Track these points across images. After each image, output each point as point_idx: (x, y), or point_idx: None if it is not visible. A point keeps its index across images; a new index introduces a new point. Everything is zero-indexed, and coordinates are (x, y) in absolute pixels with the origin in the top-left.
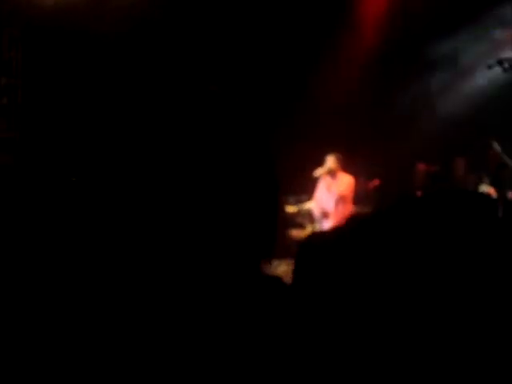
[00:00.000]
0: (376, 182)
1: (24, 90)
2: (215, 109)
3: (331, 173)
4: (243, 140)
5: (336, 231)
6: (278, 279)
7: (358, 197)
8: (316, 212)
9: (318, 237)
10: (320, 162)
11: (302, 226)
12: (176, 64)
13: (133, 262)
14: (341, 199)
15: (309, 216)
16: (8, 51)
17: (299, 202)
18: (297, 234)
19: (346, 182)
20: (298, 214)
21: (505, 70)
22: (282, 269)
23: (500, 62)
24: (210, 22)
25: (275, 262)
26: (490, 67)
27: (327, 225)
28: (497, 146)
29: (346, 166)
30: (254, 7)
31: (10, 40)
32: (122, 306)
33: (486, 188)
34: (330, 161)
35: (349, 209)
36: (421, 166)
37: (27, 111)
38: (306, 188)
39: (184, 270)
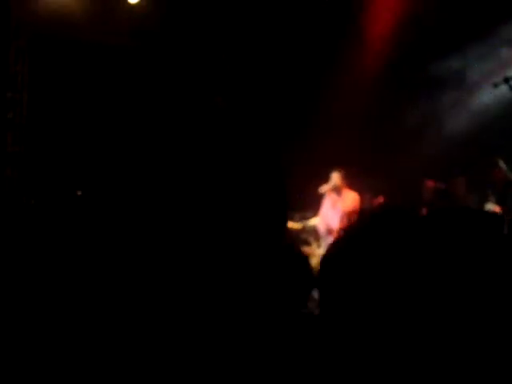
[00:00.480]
0: (381, 199)
1: (29, 104)
2: (220, 122)
3: (336, 189)
4: (251, 154)
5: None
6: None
7: (363, 213)
8: (321, 228)
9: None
10: (325, 179)
11: (306, 243)
12: (184, 76)
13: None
14: (346, 216)
15: (314, 232)
16: (14, 65)
17: (304, 218)
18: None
19: (351, 199)
20: (303, 230)
21: (511, 88)
22: None
23: (506, 81)
24: (221, 34)
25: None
26: (496, 86)
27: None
28: (503, 165)
29: (351, 182)
30: (266, 22)
31: (17, 53)
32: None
33: (492, 206)
34: (335, 177)
35: None
36: (430, 183)
37: (32, 125)
38: (311, 204)
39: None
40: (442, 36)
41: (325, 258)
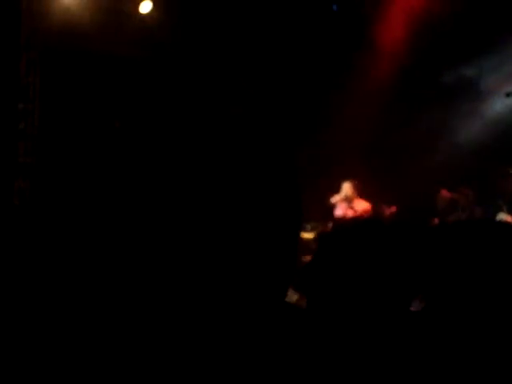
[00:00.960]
0: (393, 209)
1: (41, 115)
2: (236, 131)
3: (348, 199)
4: (267, 163)
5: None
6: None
7: None
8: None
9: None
10: (336, 189)
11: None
12: (196, 85)
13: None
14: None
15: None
16: (25, 76)
17: (316, 228)
18: None
19: (362, 209)
20: (314, 240)
21: None
22: (297, 297)
23: None
24: (233, 43)
25: (291, 290)
26: (508, 95)
27: None
28: None
29: (363, 192)
30: (280, 29)
31: (28, 65)
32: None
33: (504, 216)
34: (347, 187)
35: None
36: (443, 192)
37: (44, 136)
38: (323, 215)
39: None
40: (455, 45)
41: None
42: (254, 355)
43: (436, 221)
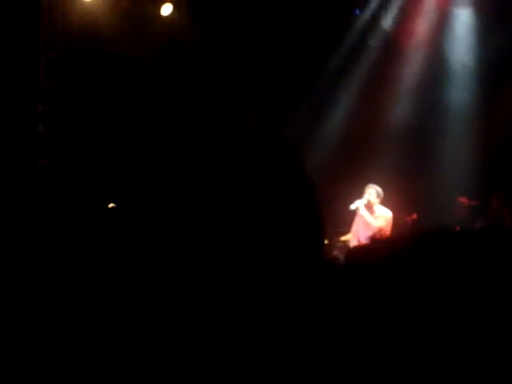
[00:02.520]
0: (414, 216)
1: (60, 117)
2: (255, 140)
3: (369, 206)
4: (286, 170)
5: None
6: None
7: (396, 231)
8: (353, 245)
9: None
10: (358, 195)
11: (336, 259)
12: (217, 89)
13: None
14: (378, 233)
15: (345, 249)
16: (45, 78)
17: (336, 234)
18: None
19: (383, 216)
20: (334, 246)
21: None
22: None
23: None
24: (253, 44)
25: None
26: None
27: None
28: None
29: (384, 199)
30: (301, 34)
31: (47, 66)
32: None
33: None
34: (369, 193)
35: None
36: (463, 200)
37: (62, 138)
38: (344, 220)
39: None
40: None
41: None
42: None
43: (458, 228)
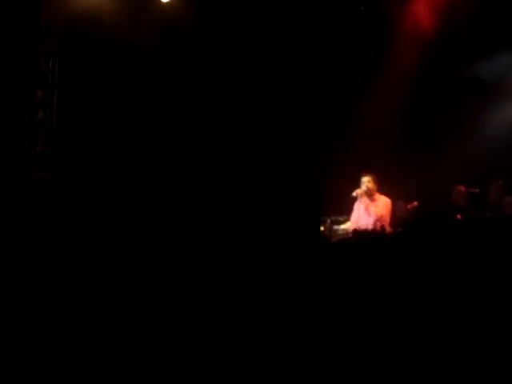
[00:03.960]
0: (414, 204)
1: (60, 104)
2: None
3: (368, 194)
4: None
5: None
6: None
7: (396, 218)
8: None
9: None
10: (357, 183)
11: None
12: (218, 76)
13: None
14: (378, 220)
15: (343, 237)
16: (45, 64)
17: (336, 222)
18: None
19: (383, 204)
20: (334, 235)
21: None
22: None
23: None
24: (256, 35)
25: None
26: None
27: None
28: None
29: (384, 187)
30: (304, 25)
31: (47, 53)
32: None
33: None
34: (367, 181)
35: (387, 230)
36: (461, 188)
37: (63, 125)
38: (343, 209)
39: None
40: (483, 38)
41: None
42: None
43: (459, 216)
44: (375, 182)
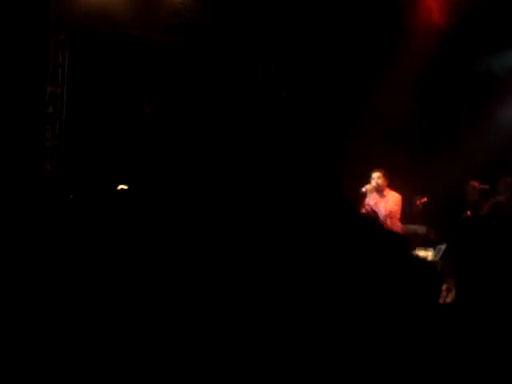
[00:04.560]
0: (424, 200)
1: (69, 99)
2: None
3: (378, 189)
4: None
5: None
6: None
7: (406, 214)
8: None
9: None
10: (367, 179)
11: None
12: (229, 74)
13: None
14: (388, 216)
15: None
16: (54, 59)
17: None
18: None
19: (393, 199)
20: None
21: None
22: None
23: None
24: (266, 32)
25: None
26: None
27: None
28: None
29: (395, 183)
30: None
31: (56, 47)
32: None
33: None
34: (377, 177)
35: (397, 226)
36: (474, 184)
37: (72, 119)
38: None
39: None
40: (493, 34)
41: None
42: None
43: (469, 213)
44: (386, 178)
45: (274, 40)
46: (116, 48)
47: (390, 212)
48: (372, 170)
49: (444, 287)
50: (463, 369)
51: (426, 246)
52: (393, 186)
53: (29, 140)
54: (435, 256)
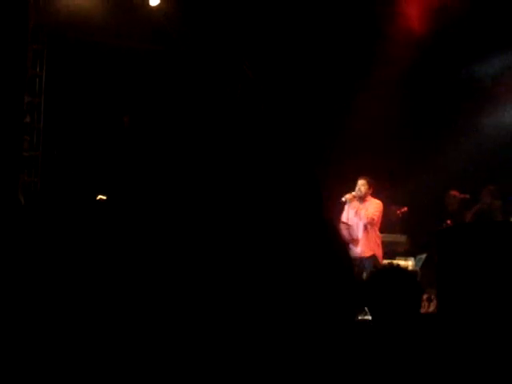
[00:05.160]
0: (404, 209)
1: (47, 108)
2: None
3: (361, 197)
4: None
5: None
6: None
7: (386, 223)
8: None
9: None
10: (347, 187)
11: None
12: (205, 80)
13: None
14: (369, 223)
15: None
16: (32, 68)
17: None
18: None
19: (374, 206)
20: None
21: None
22: None
23: None
24: (244, 37)
25: None
26: None
27: (355, 250)
28: None
29: (375, 191)
30: (294, 26)
31: (35, 57)
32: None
33: None
34: (361, 184)
35: (376, 233)
36: (454, 193)
37: (50, 129)
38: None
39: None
40: (470, 44)
41: None
42: None
43: (449, 222)
44: (370, 186)
45: (254, 48)
46: (94, 57)
47: (372, 219)
48: (358, 177)
49: (425, 297)
50: (445, 376)
51: (406, 255)
52: (376, 195)
53: (6, 150)
54: (416, 265)
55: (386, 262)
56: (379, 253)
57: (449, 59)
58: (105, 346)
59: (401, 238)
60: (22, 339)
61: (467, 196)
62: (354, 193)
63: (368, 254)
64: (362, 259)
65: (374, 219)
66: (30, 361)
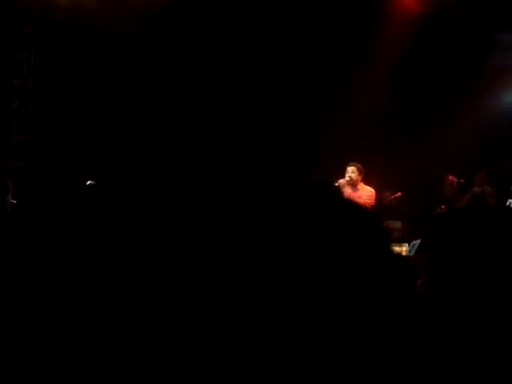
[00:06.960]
0: (398, 194)
1: (35, 92)
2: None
3: (352, 184)
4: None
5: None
6: None
7: (380, 209)
8: None
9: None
10: (340, 173)
11: None
12: (195, 66)
13: None
14: None
15: None
16: (20, 51)
17: None
18: None
19: (366, 194)
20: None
21: None
22: None
23: None
24: (234, 24)
25: None
26: None
27: None
28: None
29: (368, 177)
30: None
31: (23, 40)
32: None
33: None
34: (351, 171)
35: None
36: (451, 178)
37: (38, 114)
38: None
39: None
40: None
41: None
42: None
43: (443, 207)
44: (360, 173)
45: (246, 33)
46: (83, 41)
47: (365, 206)
48: (347, 163)
49: (419, 282)
50: (438, 365)
51: (400, 241)
52: (367, 181)
53: None
54: (410, 251)
55: None
56: None
57: (442, 46)
58: (104, 346)
59: (395, 224)
60: (18, 336)
61: (462, 181)
62: (345, 179)
63: None
64: None
65: (366, 206)
66: (28, 361)
